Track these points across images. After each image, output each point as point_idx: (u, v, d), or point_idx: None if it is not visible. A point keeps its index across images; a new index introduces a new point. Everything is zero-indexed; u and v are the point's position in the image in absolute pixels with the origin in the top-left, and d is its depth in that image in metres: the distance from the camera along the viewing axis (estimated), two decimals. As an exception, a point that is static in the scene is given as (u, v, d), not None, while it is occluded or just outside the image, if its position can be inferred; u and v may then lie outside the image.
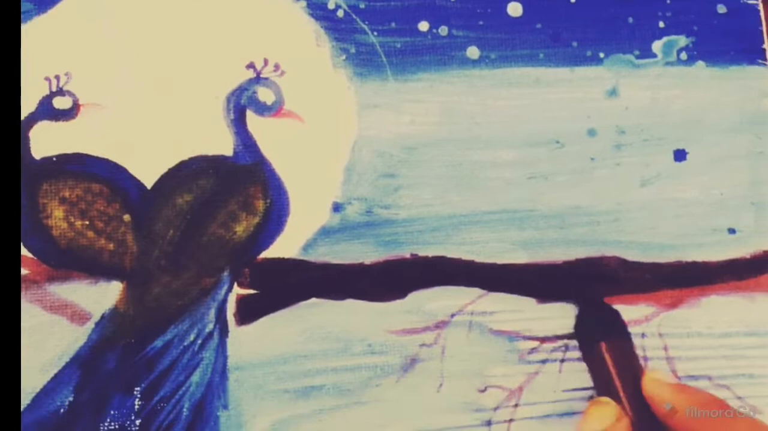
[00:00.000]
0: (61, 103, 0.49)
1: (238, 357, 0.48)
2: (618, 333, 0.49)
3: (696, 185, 0.53)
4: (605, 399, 0.46)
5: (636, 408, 0.45)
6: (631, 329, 0.50)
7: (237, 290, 0.49)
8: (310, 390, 0.48)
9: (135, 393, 0.47)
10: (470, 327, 0.50)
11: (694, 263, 0.52)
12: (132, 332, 0.48)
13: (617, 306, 0.51)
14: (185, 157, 0.50)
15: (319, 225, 0.50)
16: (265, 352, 0.48)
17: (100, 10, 0.51)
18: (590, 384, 0.50)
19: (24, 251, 0.48)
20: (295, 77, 0.51)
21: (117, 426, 0.47)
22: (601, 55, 0.53)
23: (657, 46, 0.54)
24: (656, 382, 0.45)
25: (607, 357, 0.47)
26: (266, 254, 0.50)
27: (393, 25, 0.52)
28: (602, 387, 0.47)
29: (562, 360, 0.50)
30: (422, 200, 0.51)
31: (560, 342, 0.50)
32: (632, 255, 0.51)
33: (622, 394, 0.46)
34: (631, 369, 0.47)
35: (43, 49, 0.50)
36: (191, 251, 0.49)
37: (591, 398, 0.49)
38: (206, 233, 0.49)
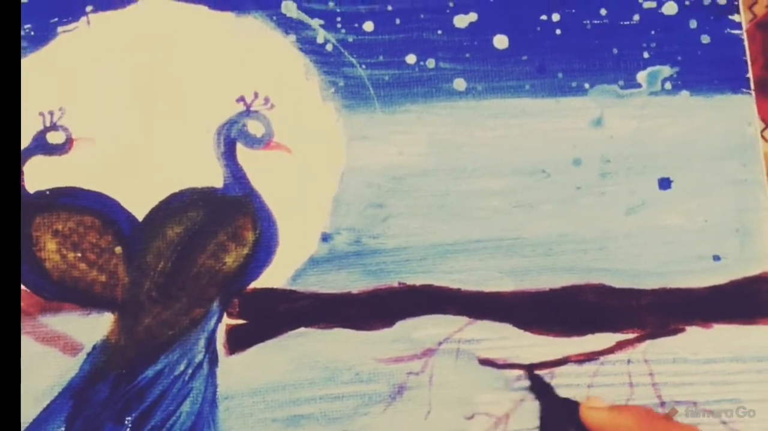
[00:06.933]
0: (54, 137, 0.50)
1: (228, 386, 0.49)
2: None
3: (681, 213, 0.53)
4: None
5: None
6: (616, 355, 0.51)
7: (226, 321, 0.50)
8: (299, 418, 0.49)
9: (126, 422, 0.48)
10: (457, 354, 0.50)
11: (680, 290, 0.52)
12: (123, 362, 0.49)
13: (602, 334, 0.51)
14: (176, 189, 0.50)
15: (307, 255, 0.51)
16: (255, 381, 0.49)
17: (92, 46, 0.52)
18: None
19: (18, 283, 0.49)
20: (285, 110, 0.52)
21: (108, 456, 0.48)
22: (586, 85, 0.54)
23: (642, 76, 0.55)
24: (592, 409, 0.47)
25: None
26: (255, 284, 0.50)
27: (381, 58, 0.53)
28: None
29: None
30: (410, 230, 0.52)
31: (546, 370, 0.51)
32: (618, 282, 0.52)
33: None
34: None
35: (37, 86, 0.51)
36: (181, 282, 0.49)
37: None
38: (196, 265, 0.50)
